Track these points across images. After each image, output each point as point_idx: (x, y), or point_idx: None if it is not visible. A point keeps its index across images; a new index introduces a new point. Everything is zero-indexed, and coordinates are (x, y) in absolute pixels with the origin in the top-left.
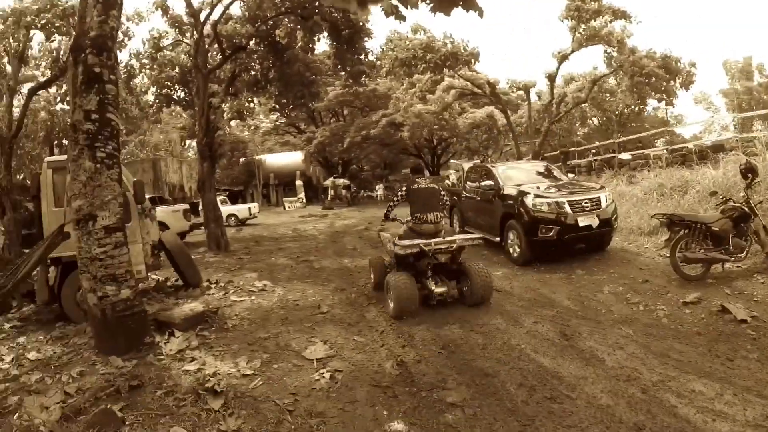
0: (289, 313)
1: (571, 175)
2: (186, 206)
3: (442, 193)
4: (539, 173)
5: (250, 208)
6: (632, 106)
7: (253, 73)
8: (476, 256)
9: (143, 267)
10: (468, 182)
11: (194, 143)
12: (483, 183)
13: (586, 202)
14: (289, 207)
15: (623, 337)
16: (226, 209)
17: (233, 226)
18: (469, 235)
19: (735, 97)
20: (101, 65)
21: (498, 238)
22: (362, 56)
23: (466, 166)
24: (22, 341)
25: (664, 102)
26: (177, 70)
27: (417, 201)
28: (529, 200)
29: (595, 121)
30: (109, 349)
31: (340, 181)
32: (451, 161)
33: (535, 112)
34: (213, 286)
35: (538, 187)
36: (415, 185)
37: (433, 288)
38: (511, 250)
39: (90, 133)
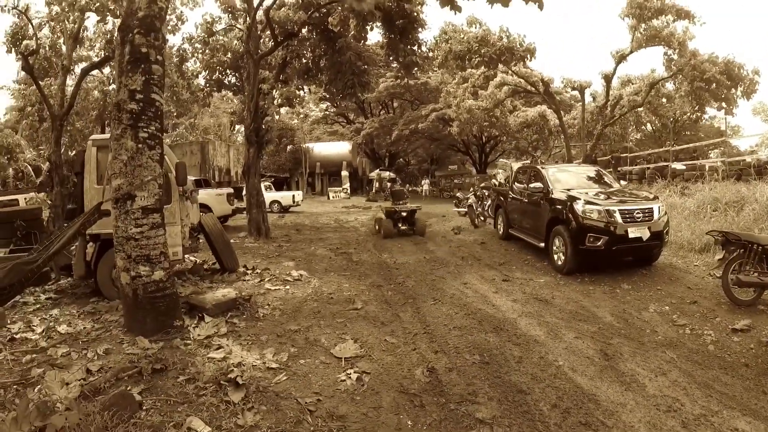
0: (323, 306)
1: (623, 182)
2: (230, 190)
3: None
4: (590, 178)
5: (294, 195)
6: (689, 114)
7: (304, 60)
8: (519, 262)
9: (180, 249)
10: (516, 183)
11: (243, 128)
12: (531, 185)
13: (638, 213)
14: (333, 197)
15: (666, 362)
16: (270, 195)
17: (276, 213)
18: (414, 205)
19: None
20: (148, 45)
21: (542, 244)
22: (415, 47)
23: (515, 166)
24: (56, 313)
25: (723, 111)
26: (229, 55)
27: (395, 194)
28: (578, 206)
29: (649, 127)
30: (138, 328)
31: (386, 173)
32: (500, 160)
33: (588, 114)
34: (249, 272)
35: (587, 193)
36: (395, 188)
37: (400, 226)
38: (555, 257)
39: (133, 112)
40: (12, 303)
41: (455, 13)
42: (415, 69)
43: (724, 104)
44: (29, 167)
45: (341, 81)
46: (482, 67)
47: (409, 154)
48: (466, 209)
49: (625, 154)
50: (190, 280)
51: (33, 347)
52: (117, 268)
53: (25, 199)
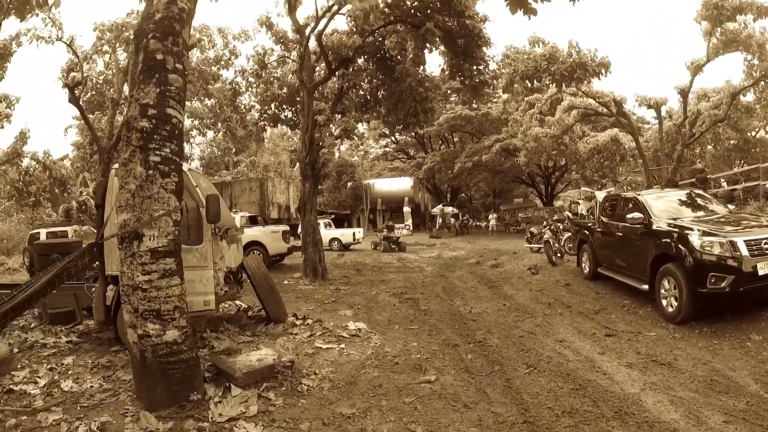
0: (385, 375)
1: (730, 206)
2: (285, 227)
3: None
4: (692, 204)
5: (354, 233)
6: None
7: (361, 92)
8: (616, 308)
9: (212, 297)
10: (603, 214)
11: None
12: (629, 215)
13: (765, 243)
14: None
15: None
16: (329, 233)
17: (336, 251)
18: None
19: None
20: (165, 51)
21: (645, 286)
22: (481, 66)
23: (600, 195)
24: (68, 362)
25: None
26: (284, 90)
27: (389, 227)
28: (694, 239)
29: (729, 143)
30: (147, 398)
31: (449, 209)
32: (581, 188)
33: (656, 133)
34: (299, 323)
35: (699, 222)
36: (390, 224)
37: (392, 246)
38: (664, 302)
39: (144, 131)
40: (30, 344)
41: (529, 18)
42: (485, 89)
43: None
44: (91, 200)
45: (402, 110)
46: (552, 88)
47: (472, 189)
48: (540, 245)
49: (711, 175)
50: (228, 331)
51: (25, 406)
52: (125, 322)
53: (74, 230)
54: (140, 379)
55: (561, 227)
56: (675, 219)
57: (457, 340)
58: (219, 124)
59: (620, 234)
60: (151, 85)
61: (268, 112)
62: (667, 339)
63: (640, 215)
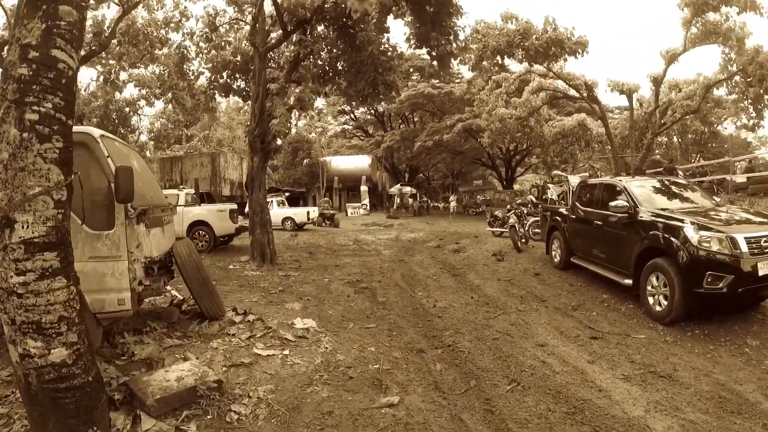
0: (337, 395)
1: (717, 198)
2: (233, 206)
3: None
4: (678, 194)
5: (308, 212)
6: (745, 121)
7: (320, 62)
8: (596, 304)
9: (127, 295)
10: (577, 201)
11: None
12: (612, 203)
13: (765, 240)
14: (352, 213)
15: None
16: (282, 212)
17: (289, 231)
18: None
19: None
20: None
21: (629, 281)
22: (450, 36)
23: (573, 180)
24: None
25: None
26: (238, 58)
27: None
28: (690, 232)
29: (695, 135)
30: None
31: (407, 189)
32: (554, 172)
33: (626, 120)
34: (238, 320)
35: (690, 214)
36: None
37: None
38: (651, 300)
39: (23, 80)
40: None
41: None
42: (453, 60)
43: None
44: None
45: (363, 80)
46: (520, 68)
47: (431, 169)
48: (503, 230)
49: (682, 166)
50: (155, 331)
51: None
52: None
53: None
54: (29, 409)
55: (525, 211)
56: (663, 209)
57: (423, 344)
58: (165, 93)
59: (599, 222)
60: (36, 20)
61: (219, 80)
62: (660, 343)
63: (625, 203)
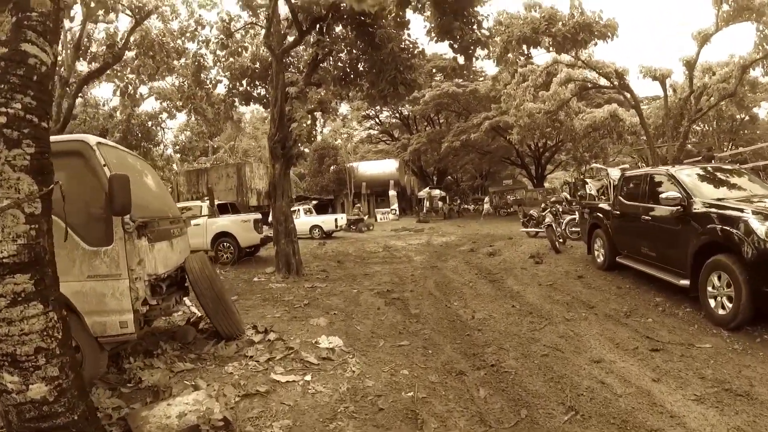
0: (365, 431)
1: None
2: (257, 215)
3: None
4: (731, 183)
5: (336, 219)
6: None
7: (340, 64)
8: (649, 309)
9: (130, 317)
10: (621, 195)
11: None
12: (663, 195)
13: None
14: (381, 218)
15: None
16: (309, 220)
17: (317, 239)
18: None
19: None
20: None
21: (685, 281)
22: (474, 26)
23: (614, 172)
24: None
25: None
26: (257, 65)
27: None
28: (755, 224)
29: (731, 121)
30: None
31: (436, 192)
32: (593, 164)
33: (659, 109)
34: (257, 339)
35: (755, 204)
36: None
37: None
38: (712, 302)
39: None
40: None
41: None
42: (478, 49)
43: None
44: None
45: (383, 79)
46: (547, 59)
47: (459, 171)
48: (539, 230)
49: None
50: (167, 354)
51: None
52: None
53: None
54: None
55: (560, 209)
56: (719, 199)
57: (462, 364)
58: (186, 105)
59: (647, 218)
60: (6, 13)
61: (239, 88)
62: (728, 353)
63: (677, 194)
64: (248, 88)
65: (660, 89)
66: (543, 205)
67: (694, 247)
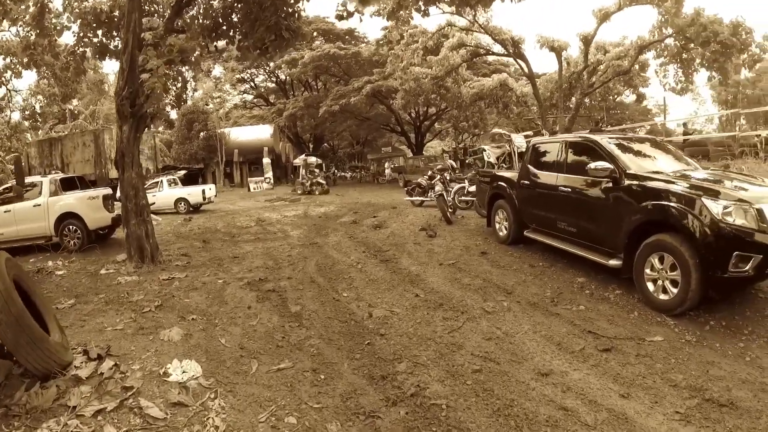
0: None
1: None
2: (107, 191)
3: None
4: (657, 155)
5: (204, 190)
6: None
7: (212, 13)
8: (576, 292)
9: None
10: (532, 164)
11: None
12: (593, 165)
13: None
14: (254, 188)
15: None
16: (174, 192)
17: (183, 214)
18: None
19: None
20: None
21: (617, 262)
22: None
23: (518, 140)
24: None
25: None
26: (117, 13)
27: None
28: (710, 203)
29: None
30: None
31: (312, 159)
32: (494, 130)
33: (548, 82)
34: (85, 374)
35: (699, 179)
36: None
37: None
38: (650, 285)
39: None
40: None
41: None
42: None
43: (715, 74)
44: None
45: (263, 26)
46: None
47: (336, 138)
48: (425, 199)
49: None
50: None
51: None
52: None
53: None
54: None
55: (448, 177)
56: (656, 172)
57: (370, 395)
58: (21, 56)
59: (566, 189)
60: None
61: (92, 38)
62: (684, 348)
63: (608, 165)
64: (104, 39)
65: (553, 63)
66: (430, 173)
67: (630, 224)
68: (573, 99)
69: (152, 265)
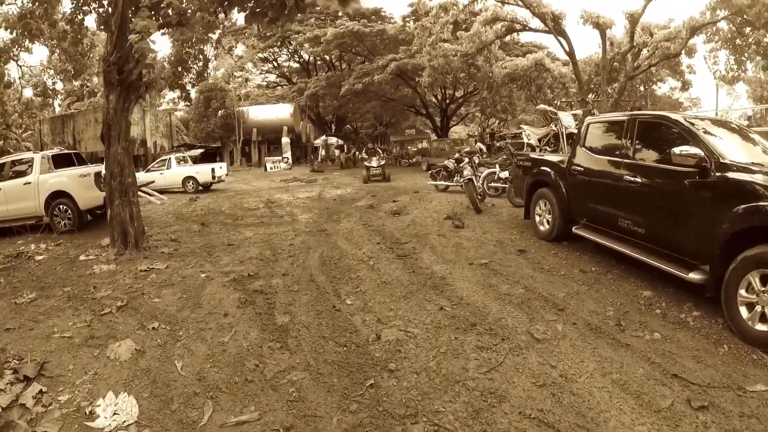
0: None
1: None
2: (99, 168)
3: None
4: (746, 142)
5: (213, 168)
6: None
7: None
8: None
9: None
10: (587, 147)
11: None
12: (677, 150)
13: None
14: (271, 168)
15: None
16: (182, 171)
17: (191, 193)
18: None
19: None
20: None
21: (698, 276)
22: None
23: (567, 119)
24: None
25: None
26: None
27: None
28: None
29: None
30: None
31: (333, 140)
32: (539, 106)
33: (586, 65)
34: (4, 402)
35: None
36: None
37: None
38: (744, 312)
39: None
40: None
41: None
42: None
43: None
44: None
45: None
46: None
47: (358, 119)
48: (450, 183)
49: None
50: None
51: None
52: None
53: None
54: None
55: (477, 162)
56: (753, 164)
57: None
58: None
59: (635, 180)
60: None
61: (91, 3)
62: None
63: (697, 151)
64: (109, 8)
65: (590, 46)
66: (457, 155)
67: (727, 229)
68: (615, 85)
69: (135, 252)
